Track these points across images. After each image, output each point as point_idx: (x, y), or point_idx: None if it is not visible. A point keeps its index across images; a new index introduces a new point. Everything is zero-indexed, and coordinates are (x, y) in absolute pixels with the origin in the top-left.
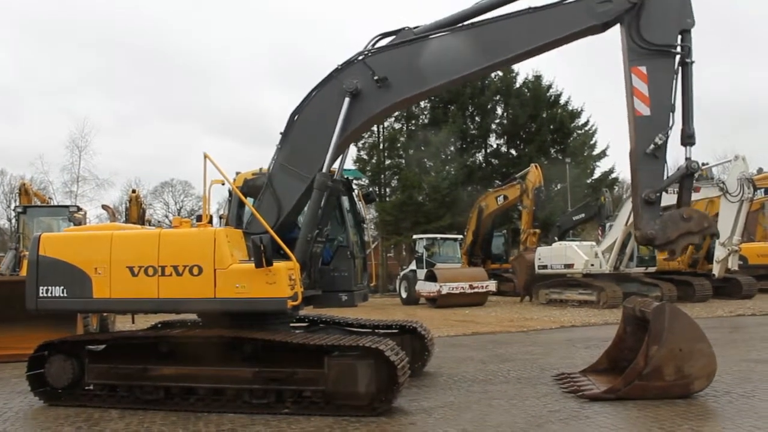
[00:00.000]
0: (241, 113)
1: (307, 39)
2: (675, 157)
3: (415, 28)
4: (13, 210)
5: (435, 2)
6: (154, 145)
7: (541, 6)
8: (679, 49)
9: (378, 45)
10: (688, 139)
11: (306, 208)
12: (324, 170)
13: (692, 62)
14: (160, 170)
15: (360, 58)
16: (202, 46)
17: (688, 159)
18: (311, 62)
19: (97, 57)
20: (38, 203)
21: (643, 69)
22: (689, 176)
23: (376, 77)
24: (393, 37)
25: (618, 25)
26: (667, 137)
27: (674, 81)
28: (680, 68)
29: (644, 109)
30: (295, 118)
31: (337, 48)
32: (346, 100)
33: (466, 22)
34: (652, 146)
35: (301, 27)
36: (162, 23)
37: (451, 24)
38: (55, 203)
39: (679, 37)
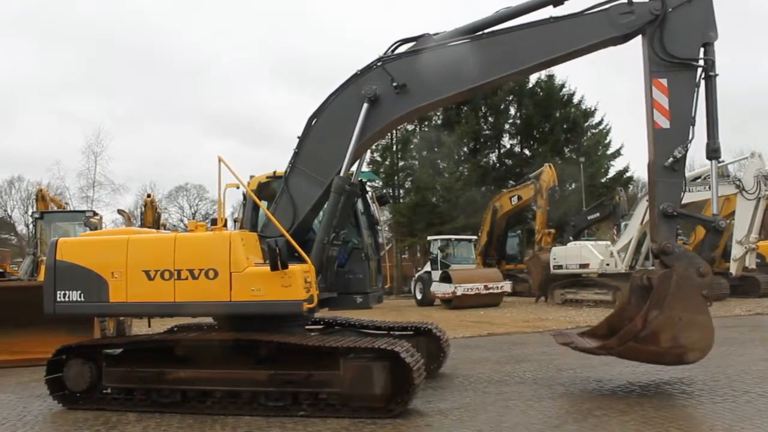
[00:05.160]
0: (240, 113)
1: (302, 32)
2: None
3: (435, 34)
4: (31, 216)
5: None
6: (157, 148)
7: (562, 16)
8: (702, 62)
9: (398, 51)
10: (713, 153)
11: (323, 212)
12: (341, 174)
13: (716, 75)
14: (160, 173)
15: (379, 63)
16: (193, 45)
17: (715, 215)
18: (308, 58)
19: (86, 56)
20: (55, 209)
21: (664, 81)
22: (715, 232)
23: (395, 83)
24: (413, 43)
25: (639, 36)
26: (686, 151)
27: (696, 94)
28: (703, 81)
29: (664, 122)
30: (313, 122)
31: (335, 43)
32: (365, 105)
33: (486, 30)
34: (671, 159)
35: (296, 21)
36: (151, 23)
37: (472, 32)
38: (72, 208)
39: (702, 50)
